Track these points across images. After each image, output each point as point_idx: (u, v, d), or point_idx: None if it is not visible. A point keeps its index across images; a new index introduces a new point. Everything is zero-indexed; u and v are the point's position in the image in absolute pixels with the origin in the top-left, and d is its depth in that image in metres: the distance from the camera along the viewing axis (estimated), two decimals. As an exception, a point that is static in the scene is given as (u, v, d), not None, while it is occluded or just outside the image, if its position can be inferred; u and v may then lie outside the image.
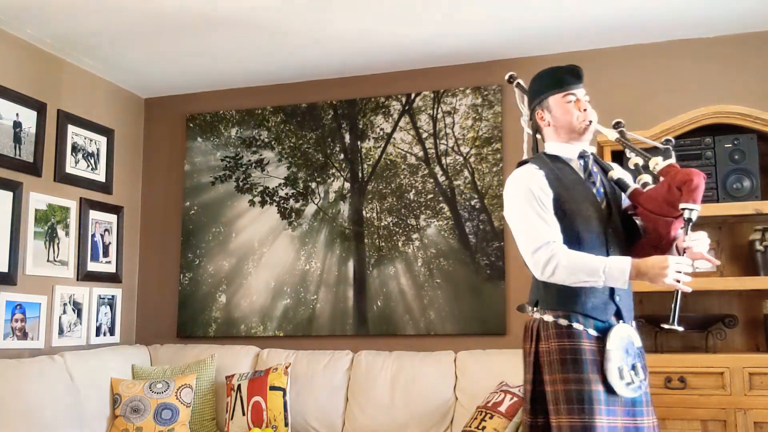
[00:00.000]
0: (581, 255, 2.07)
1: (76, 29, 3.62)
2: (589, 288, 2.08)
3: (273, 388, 3.59)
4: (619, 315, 2.12)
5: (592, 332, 2.08)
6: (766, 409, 2.95)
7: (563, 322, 2.10)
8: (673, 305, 2.00)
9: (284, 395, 3.57)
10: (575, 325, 2.08)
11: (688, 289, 1.98)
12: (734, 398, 2.98)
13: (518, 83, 2.50)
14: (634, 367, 2.06)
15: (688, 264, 1.97)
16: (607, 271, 2.02)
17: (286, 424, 3.51)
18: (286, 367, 3.66)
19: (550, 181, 2.15)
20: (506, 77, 2.55)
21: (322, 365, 3.78)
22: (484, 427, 3.06)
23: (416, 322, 3.94)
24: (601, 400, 2.01)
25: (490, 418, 3.08)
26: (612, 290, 2.11)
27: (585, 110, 2.19)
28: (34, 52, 3.80)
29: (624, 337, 2.07)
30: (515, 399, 3.09)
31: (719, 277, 3.35)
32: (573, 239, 2.12)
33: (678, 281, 1.96)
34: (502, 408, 3.09)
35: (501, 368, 3.41)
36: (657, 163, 2.11)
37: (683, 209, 2.00)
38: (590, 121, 2.19)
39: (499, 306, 3.81)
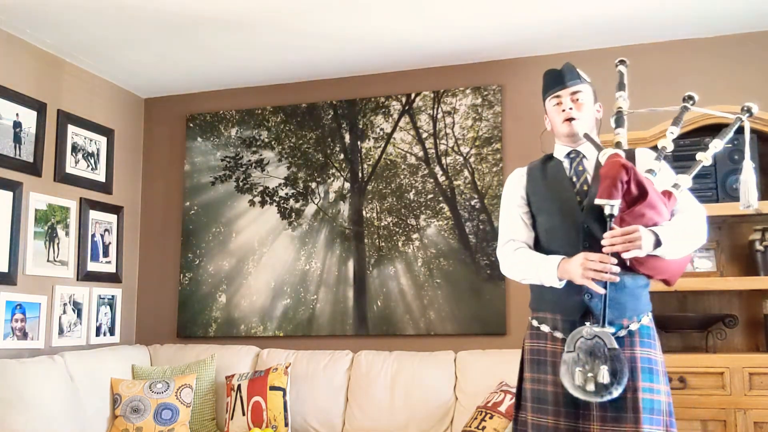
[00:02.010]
0: (525, 254, 2.16)
1: (76, 29, 3.62)
2: (556, 288, 2.06)
3: (273, 388, 3.59)
4: (590, 316, 2.02)
5: (558, 334, 2.08)
6: (766, 409, 2.95)
7: (534, 323, 2.17)
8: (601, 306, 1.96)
9: (284, 395, 3.57)
10: (542, 327, 2.13)
11: (601, 290, 1.93)
12: (734, 398, 2.98)
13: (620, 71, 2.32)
14: (600, 371, 1.92)
15: (612, 262, 1.91)
16: (540, 270, 2.08)
17: (286, 424, 3.51)
18: (286, 367, 3.66)
19: (528, 181, 2.26)
20: (617, 61, 2.34)
21: (322, 365, 3.78)
22: (484, 427, 3.06)
23: (416, 322, 3.94)
24: (559, 402, 2.02)
25: (490, 418, 3.08)
26: (580, 290, 2.03)
27: (564, 110, 2.19)
28: (34, 52, 3.80)
29: (586, 339, 1.96)
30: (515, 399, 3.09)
31: (719, 277, 3.35)
32: (541, 236, 2.21)
33: (600, 280, 1.92)
34: (502, 408, 3.09)
35: (501, 368, 3.41)
36: (605, 154, 2.05)
37: (598, 204, 1.95)
38: (570, 119, 2.16)
39: (499, 306, 3.81)
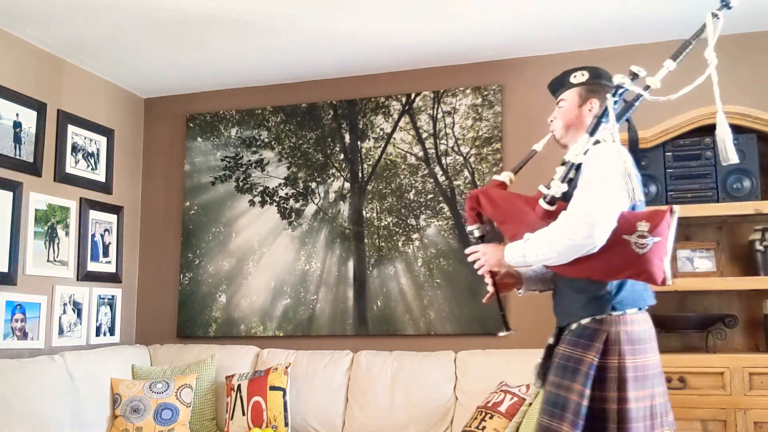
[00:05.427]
0: None
1: (76, 29, 3.62)
2: None
3: (273, 388, 3.59)
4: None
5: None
6: (766, 409, 2.95)
7: None
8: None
9: (284, 395, 3.57)
10: None
11: (483, 299, 2.33)
12: (734, 398, 2.98)
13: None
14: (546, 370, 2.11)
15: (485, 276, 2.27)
16: None
17: (286, 424, 3.51)
18: (286, 367, 3.66)
19: None
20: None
21: (322, 365, 3.78)
22: (484, 427, 3.06)
23: (416, 322, 3.94)
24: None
25: (490, 418, 3.08)
26: (553, 295, 2.23)
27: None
28: (34, 52, 3.80)
29: (547, 341, 2.17)
30: (515, 399, 3.09)
31: (719, 277, 3.35)
32: None
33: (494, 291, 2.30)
34: (502, 408, 3.09)
35: (501, 368, 3.41)
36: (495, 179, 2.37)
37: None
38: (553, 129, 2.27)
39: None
